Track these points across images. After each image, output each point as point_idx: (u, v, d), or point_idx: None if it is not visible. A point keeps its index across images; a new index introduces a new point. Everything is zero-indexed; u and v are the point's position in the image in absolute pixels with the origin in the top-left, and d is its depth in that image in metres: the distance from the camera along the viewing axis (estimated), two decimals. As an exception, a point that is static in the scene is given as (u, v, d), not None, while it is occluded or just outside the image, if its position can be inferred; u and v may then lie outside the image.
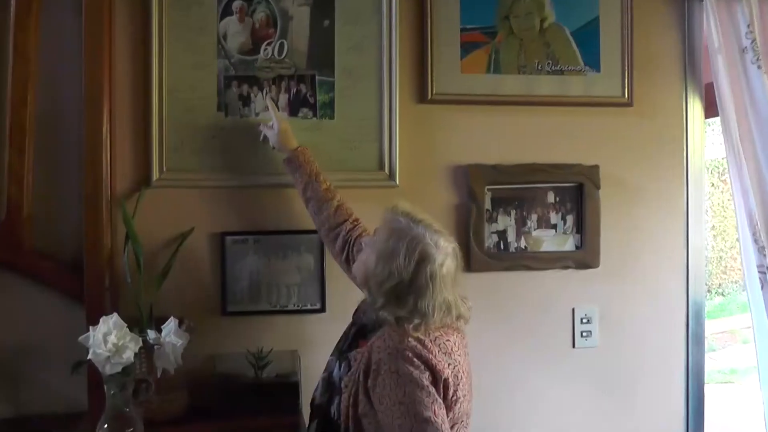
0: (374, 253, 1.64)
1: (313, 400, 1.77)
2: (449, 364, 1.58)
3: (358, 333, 1.74)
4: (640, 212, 2.39)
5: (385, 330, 1.60)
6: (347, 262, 1.92)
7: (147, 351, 1.79)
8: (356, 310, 1.81)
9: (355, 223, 1.95)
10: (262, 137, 2.07)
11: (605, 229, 2.34)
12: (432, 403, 1.52)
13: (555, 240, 2.33)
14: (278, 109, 2.12)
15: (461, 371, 1.62)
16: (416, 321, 1.57)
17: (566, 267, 2.33)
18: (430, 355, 1.56)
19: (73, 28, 2.01)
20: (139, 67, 2.07)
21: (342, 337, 1.79)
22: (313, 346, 2.12)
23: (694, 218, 2.43)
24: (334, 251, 1.97)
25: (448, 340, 1.61)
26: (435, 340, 1.59)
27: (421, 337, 1.57)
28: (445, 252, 1.62)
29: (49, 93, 2.04)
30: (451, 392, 1.59)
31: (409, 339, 1.56)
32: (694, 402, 2.45)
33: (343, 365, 1.68)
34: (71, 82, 2.01)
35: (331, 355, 1.77)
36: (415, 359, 1.54)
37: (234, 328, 2.13)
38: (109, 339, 1.66)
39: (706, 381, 2.47)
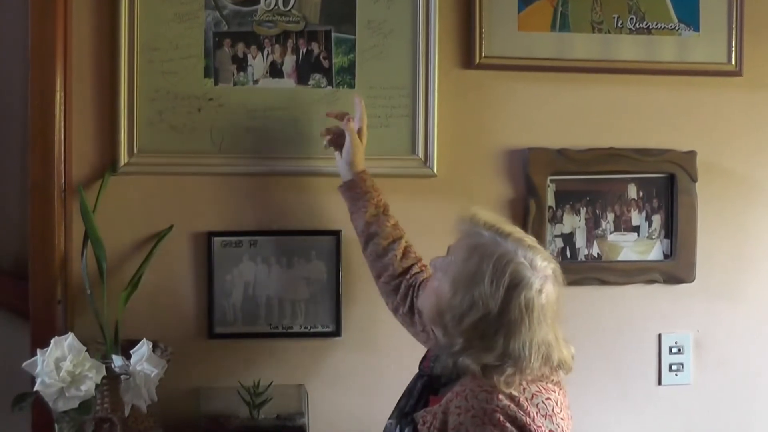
0: (449, 278, 1.52)
1: None
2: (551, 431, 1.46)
3: (426, 387, 1.62)
4: (750, 212, 2.25)
5: (466, 383, 1.47)
6: (410, 314, 1.82)
7: (111, 382, 1.72)
8: (423, 358, 1.68)
9: (423, 267, 1.85)
10: (326, 143, 1.92)
11: (703, 234, 2.21)
12: None
13: (637, 246, 2.21)
14: (284, 75, 2.01)
15: None
16: (509, 371, 1.44)
17: (652, 281, 2.20)
18: (528, 419, 1.42)
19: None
20: (104, 19, 1.97)
21: (404, 393, 1.67)
22: (325, 379, 2.05)
23: (824, 221, 2.29)
24: (394, 302, 1.86)
25: (548, 399, 1.47)
26: (532, 398, 1.45)
27: (515, 393, 1.44)
28: (543, 274, 1.48)
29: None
30: None
31: (500, 396, 1.42)
32: (821, 457, 2.29)
33: (406, 430, 1.54)
34: (13, 38, 1.94)
35: (390, 418, 1.64)
36: (508, 424, 1.40)
37: (223, 355, 2.04)
38: (62, 366, 1.61)
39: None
